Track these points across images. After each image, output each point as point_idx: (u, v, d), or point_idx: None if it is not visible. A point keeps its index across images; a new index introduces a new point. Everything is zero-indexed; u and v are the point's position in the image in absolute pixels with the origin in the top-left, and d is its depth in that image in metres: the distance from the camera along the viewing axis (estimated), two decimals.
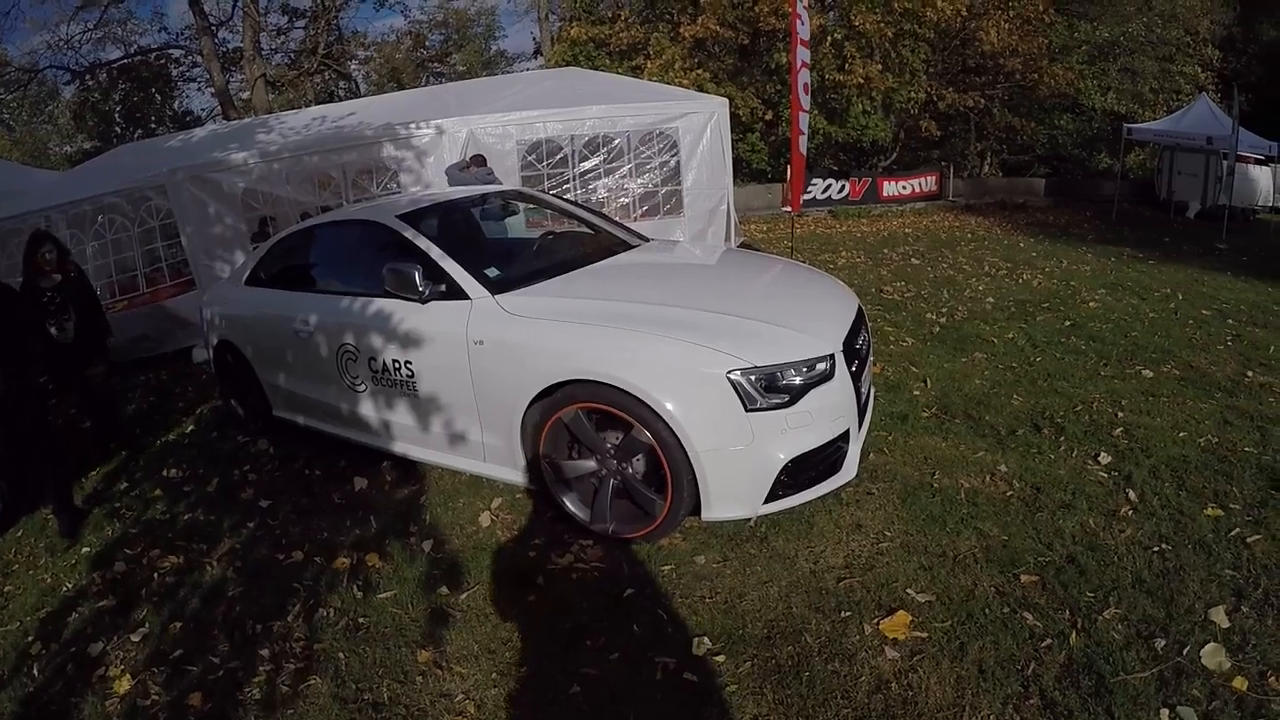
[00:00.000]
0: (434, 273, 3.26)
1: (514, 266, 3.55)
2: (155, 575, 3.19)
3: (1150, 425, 3.73)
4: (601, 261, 3.67)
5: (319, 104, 15.38)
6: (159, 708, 2.38)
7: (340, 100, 16.52)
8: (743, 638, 2.38)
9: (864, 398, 3.16)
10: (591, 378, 2.74)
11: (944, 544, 2.79)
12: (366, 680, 2.36)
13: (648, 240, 4.24)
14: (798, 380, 2.70)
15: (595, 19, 17.28)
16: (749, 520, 2.93)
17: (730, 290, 3.43)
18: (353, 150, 7.66)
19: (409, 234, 3.49)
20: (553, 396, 2.88)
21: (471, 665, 2.36)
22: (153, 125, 21.59)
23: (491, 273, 3.33)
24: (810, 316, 3.07)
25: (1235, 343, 5.15)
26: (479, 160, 7.43)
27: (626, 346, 2.73)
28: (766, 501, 2.73)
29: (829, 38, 13.87)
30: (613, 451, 2.88)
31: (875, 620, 2.40)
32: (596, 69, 14.73)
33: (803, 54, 8.40)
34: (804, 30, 8.32)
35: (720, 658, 2.30)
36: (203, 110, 22.98)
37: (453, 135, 7.85)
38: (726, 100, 9.24)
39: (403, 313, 3.34)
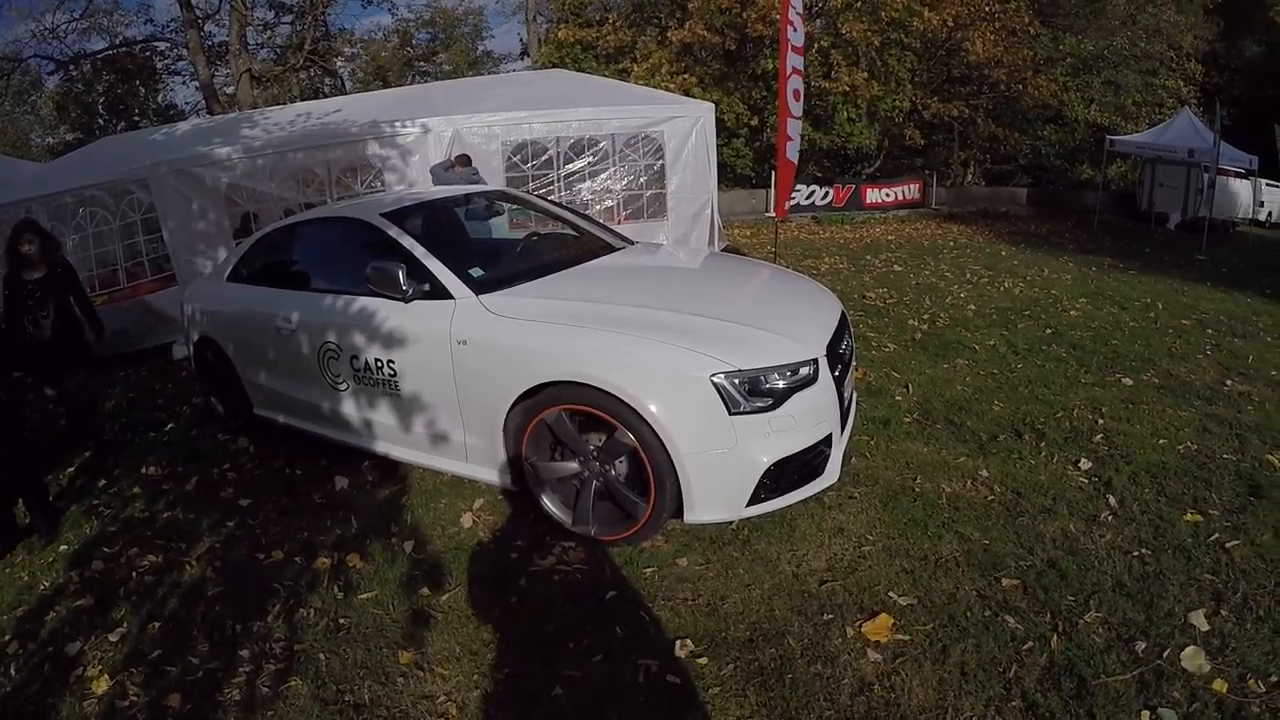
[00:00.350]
0: (418, 271, 3.24)
1: (498, 267, 3.53)
2: (134, 574, 3.13)
3: (1130, 432, 3.77)
4: (586, 263, 3.67)
5: (305, 100, 15.24)
6: (137, 708, 2.34)
7: (326, 97, 16.40)
8: (725, 640, 2.38)
9: (847, 402, 3.18)
10: (575, 379, 2.74)
11: (926, 548, 2.80)
12: (347, 681, 2.34)
13: (632, 243, 4.24)
14: (781, 384, 2.72)
15: (583, 21, 17.29)
16: (731, 523, 2.93)
17: (714, 294, 3.44)
18: (338, 148, 7.60)
19: (393, 232, 3.46)
20: (536, 398, 2.86)
21: (453, 667, 2.34)
22: (136, 118, 21.32)
23: (475, 272, 3.31)
24: (794, 321, 3.08)
25: (1214, 352, 5.23)
26: (464, 160, 7.40)
27: (611, 349, 2.73)
28: (749, 505, 2.73)
29: (816, 45, 13.94)
30: (596, 453, 2.88)
31: (857, 623, 2.41)
32: (583, 71, 14.74)
33: (795, 60, 8.43)
34: (797, 37, 8.35)
35: (703, 660, 2.31)
36: (187, 104, 22.77)
37: (438, 134, 7.82)
38: (712, 105, 9.27)
39: (386, 311, 3.32)
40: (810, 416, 2.78)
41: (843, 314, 3.40)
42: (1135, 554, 2.70)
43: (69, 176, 7.26)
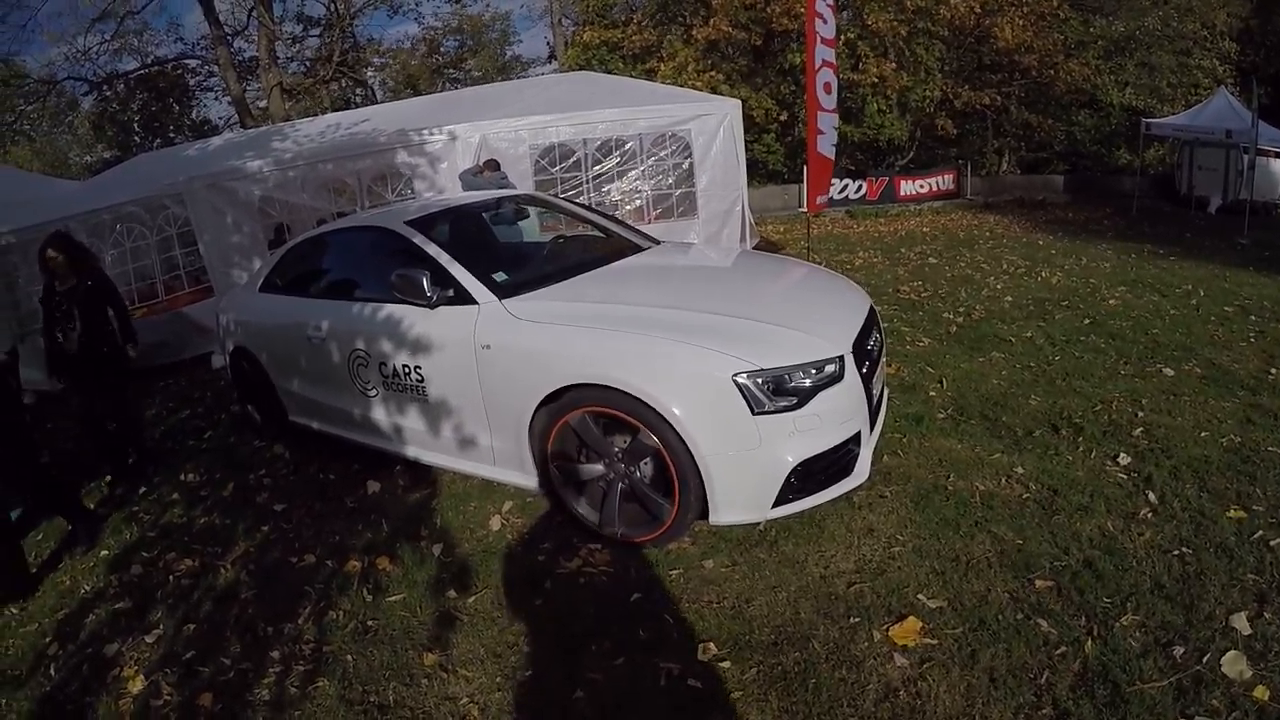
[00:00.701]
0: (442, 278, 3.27)
1: (521, 271, 3.55)
2: (170, 578, 3.23)
3: (1171, 425, 3.65)
4: (610, 265, 3.66)
5: (336, 111, 15.54)
6: (170, 708, 2.41)
7: (357, 107, 16.70)
8: (749, 644, 2.36)
9: (876, 399, 3.12)
10: (597, 381, 2.73)
11: (957, 548, 2.73)
12: (373, 682, 2.37)
13: (658, 243, 4.23)
14: (806, 382, 2.67)
15: (608, 23, 17.33)
16: (759, 524, 2.90)
17: (739, 292, 3.41)
18: (367, 157, 7.74)
19: (418, 240, 3.51)
20: (559, 401, 2.87)
21: (476, 669, 2.36)
22: (171, 134, 21.80)
23: (499, 277, 3.33)
24: (819, 318, 3.04)
25: (1259, 339, 5.04)
26: (492, 165, 7.46)
27: (632, 350, 2.72)
28: (775, 505, 2.69)
29: (842, 37, 13.77)
30: (620, 455, 2.87)
31: (885, 626, 2.36)
32: (610, 73, 14.78)
33: (825, 53, 8.31)
34: (827, 29, 8.24)
35: (725, 664, 2.28)
36: (220, 119, 23.21)
37: (465, 141, 7.90)
38: (739, 102, 9.20)
39: (412, 318, 3.36)
40: (836, 415, 2.73)
41: (871, 310, 3.34)
42: (1175, 553, 2.59)
43: (106, 194, 7.50)
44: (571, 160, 8.53)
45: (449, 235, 3.77)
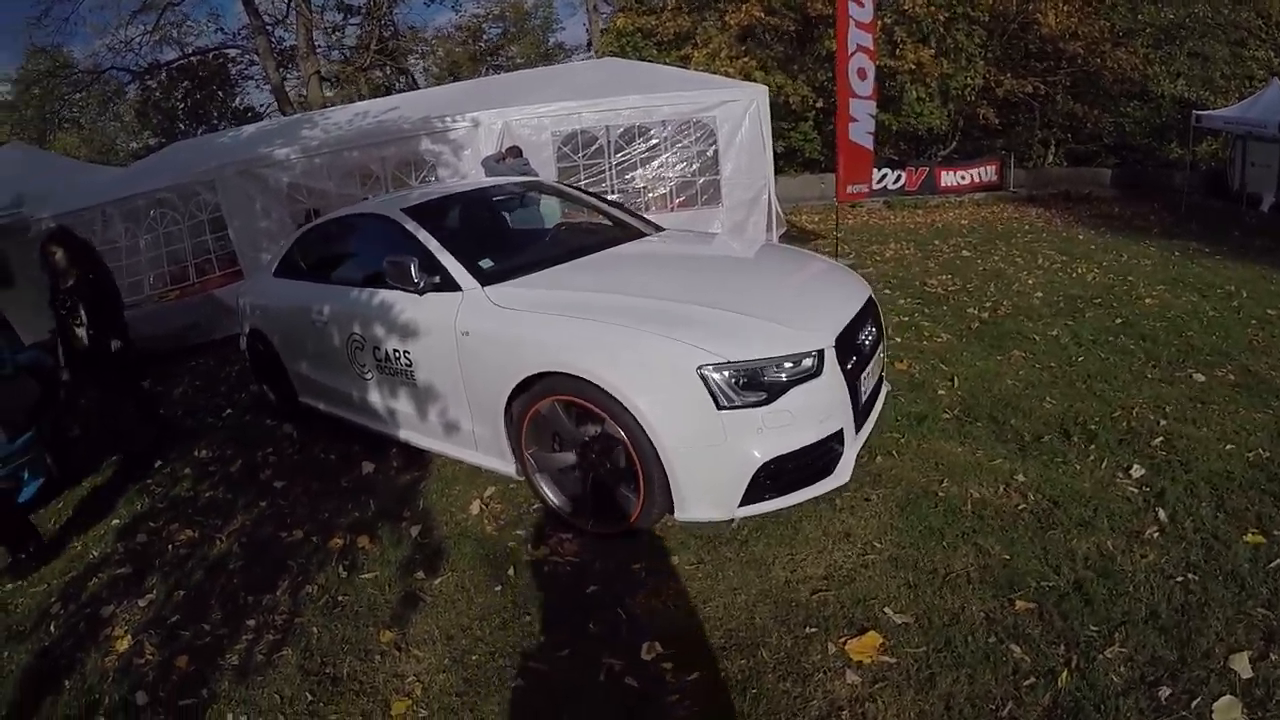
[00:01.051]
0: (429, 264, 3.32)
1: (510, 258, 3.55)
2: (170, 547, 3.40)
3: (1194, 435, 3.40)
4: (601, 252, 3.66)
5: (376, 98, 15.81)
6: (150, 667, 2.55)
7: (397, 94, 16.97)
8: (697, 646, 2.31)
9: (866, 397, 3.03)
10: (565, 370, 2.75)
11: (937, 560, 2.60)
12: (332, 655, 2.47)
13: (661, 230, 4.21)
14: (781, 377, 2.61)
15: (644, 9, 17.21)
16: (732, 522, 2.83)
17: (724, 283, 3.34)
18: (391, 144, 7.87)
19: (410, 226, 3.57)
20: (532, 388, 2.90)
21: (428, 649, 2.42)
22: (215, 121, 22.25)
23: (485, 264, 3.36)
24: (802, 309, 2.96)
25: None
26: (514, 152, 7.49)
27: (598, 339, 2.72)
28: (743, 504, 2.63)
29: (879, 23, 13.44)
30: (591, 445, 2.88)
31: (842, 640, 2.26)
32: (644, 59, 14.70)
33: (860, 37, 8.13)
34: (863, 13, 8.06)
35: (668, 664, 2.24)
36: (263, 106, 23.66)
37: (488, 127, 7.96)
38: (765, 88, 9.04)
39: (402, 303, 3.43)
40: (813, 412, 2.65)
41: (869, 302, 3.24)
42: (1179, 579, 2.38)
43: (141, 180, 7.77)
44: (594, 147, 8.51)
45: (444, 223, 3.81)
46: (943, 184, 15.32)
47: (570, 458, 2.98)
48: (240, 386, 5.85)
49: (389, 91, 20.65)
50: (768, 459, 2.59)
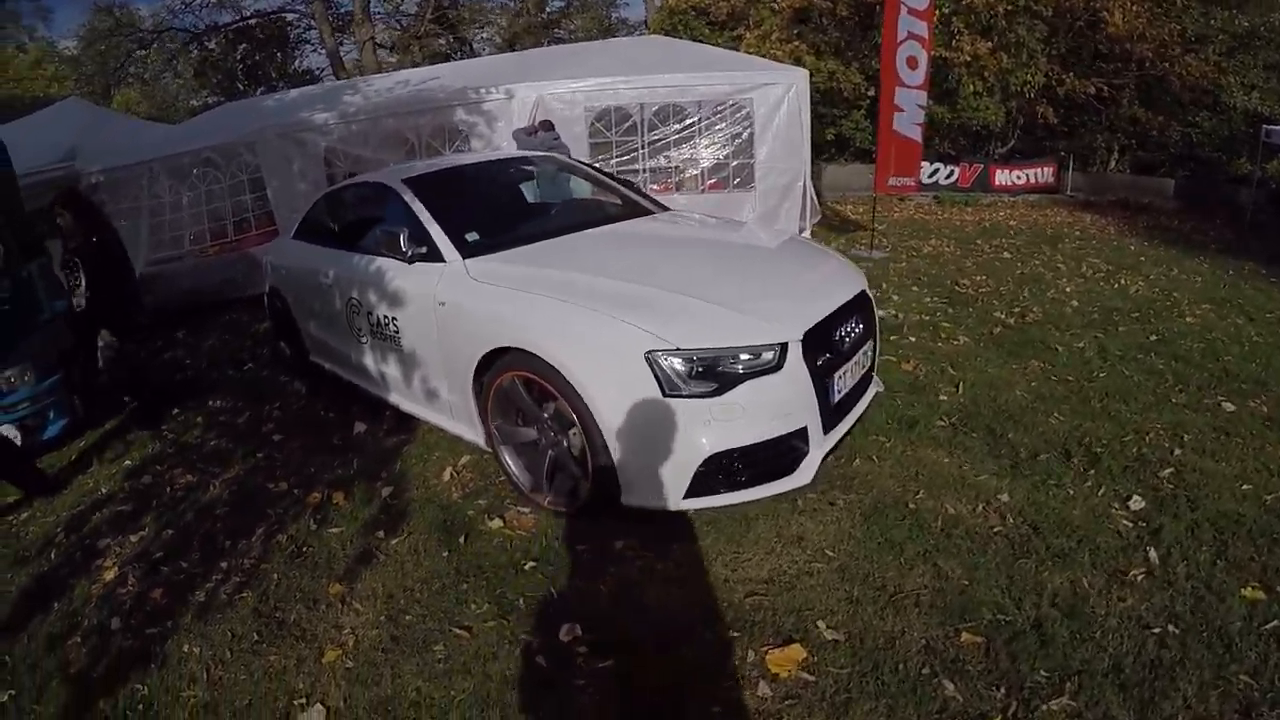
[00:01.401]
0: (419, 235, 3.42)
1: (496, 233, 3.59)
2: (169, 490, 3.64)
3: (1209, 469, 3.12)
4: (588, 230, 3.67)
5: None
6: (129, 597, 2.77)
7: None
8: (616, 634, 2.29)
9: (843, 396, 2.95)
10: (521, 346, 2.81)
11: (889, 576, 2.47)
12: (285, 601, 2.63)
13: (667, 210, 4.22)
14: (737, 368, 2.57)
15: None
16: (686, 513, 2.80)
17: (701, 266, 3.27)
18: (427, 113, 8.01)
19: (407, 197, 3.66)
20: (496, 363, 2.98)
21: (369, 605, 2.56)
22: (274, 81, 22.64)
23: (470, 237, 3.44)
24: (776, 300, 2.86)
25: None
26: (546, 125, 7.54)
27: (555, 318, 2.76)
28: (690, 495, 2.61)
29: (937, 12, 12.96)
30: (549, 423, 2.94)
31: (765, 648, 2.17)
32: (695, 38, 14.50)
33: (913, 24, 7.91)
34: (917, 0, 7.85)
35: (584, 649, 2.24)
36: (320, 70, 24.02)
37: (522, 100, 8.03)
38: (805, 72, 8.84)
39: (393, 271, 3.54)
40: (769, 407, 2.58)
41: (858, 296, 3.14)
42: (1155, 630, 2.15)
43: (188, 139, 8.09)
44: (628, 124, 8.50)
45: (442, 195, 3.82)
46: (997, 182, 14.77)
47: (532, 433, 3.04)
48: (264, 342, 6.13)
49: (447, 60, 20.84)
50: (715, 451, 2.56)
